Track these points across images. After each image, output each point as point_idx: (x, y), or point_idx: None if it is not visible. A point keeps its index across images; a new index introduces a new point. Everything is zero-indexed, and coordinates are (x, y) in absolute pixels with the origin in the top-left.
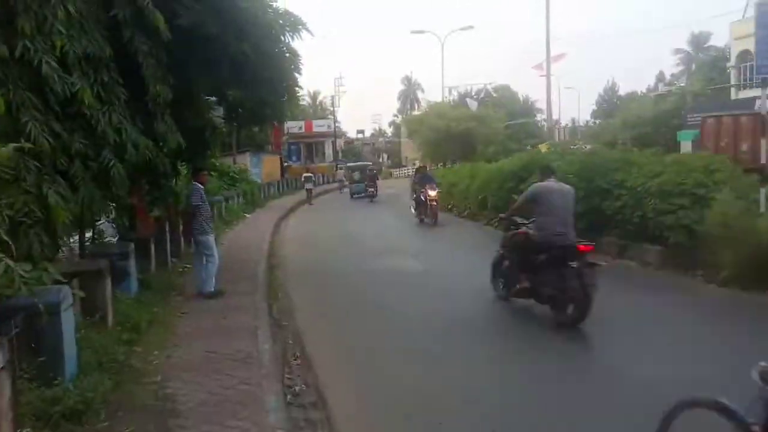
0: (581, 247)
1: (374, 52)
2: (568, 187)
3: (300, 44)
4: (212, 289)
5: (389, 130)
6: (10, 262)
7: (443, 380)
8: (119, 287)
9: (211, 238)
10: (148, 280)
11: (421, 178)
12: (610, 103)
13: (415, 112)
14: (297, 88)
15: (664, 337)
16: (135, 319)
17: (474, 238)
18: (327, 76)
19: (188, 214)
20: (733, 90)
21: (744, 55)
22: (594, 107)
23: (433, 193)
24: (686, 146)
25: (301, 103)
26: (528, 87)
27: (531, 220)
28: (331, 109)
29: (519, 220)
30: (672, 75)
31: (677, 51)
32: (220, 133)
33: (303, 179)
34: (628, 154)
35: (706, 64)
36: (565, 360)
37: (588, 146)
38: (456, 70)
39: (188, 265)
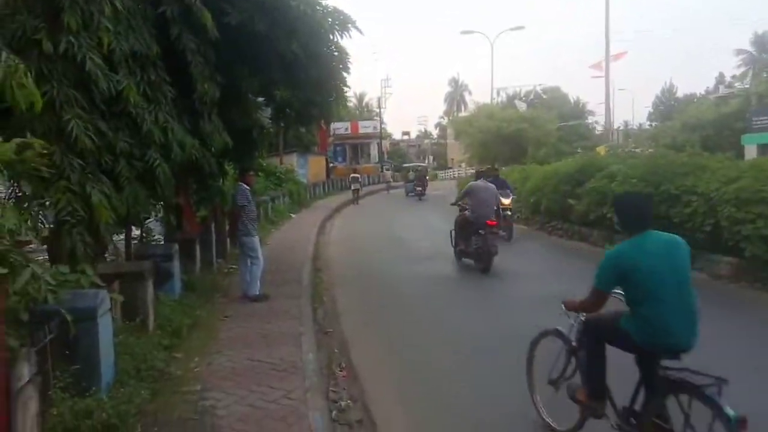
0: (489, 222)
1: (421, 53)
2: (491, 185)
3: (348, 43)
4: (257, 292)
5: (435, 132)
6: (37, 268)
7: (500, 407)
8: (162, 289)
9: (255, 239)
10: (193, 282)
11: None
12: (667, 106)
13: (462, 114)
14: (345, 88)
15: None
16: (176, 323)
17: (523, 244)
18: (374, 77)
19: (234, 215)
20: None
21: None
22: (650, 109)
23: (507, 201)
24: (751, 151)
25: (347, 104)
26: (579, 88)
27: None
28: (377, 110)
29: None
30: (733, 77)
31: (739, 52)
32: (267, 133)
33: (350, 180)
34: (698, 158)
35: None
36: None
37: (649, 150)
38: (505, 71)
39: (234, 266)
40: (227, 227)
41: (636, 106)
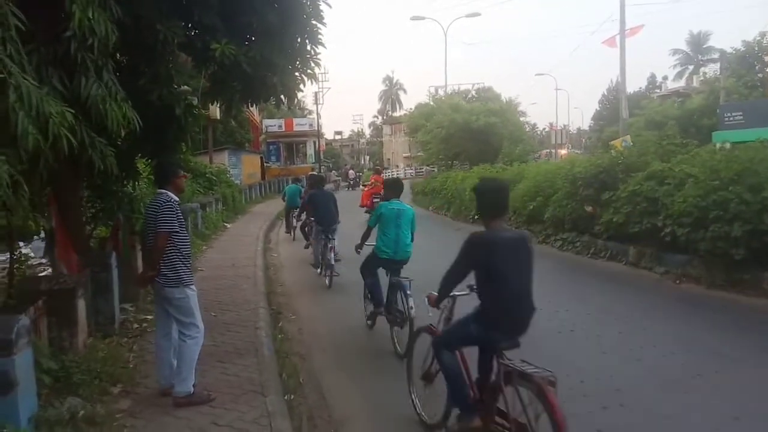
0: None
1: (354, 49)
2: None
3: None
4: (191, 389)
5: (368, 132)
6: None
7: None
8: None
9: (192, 294)
10: (67, 370)
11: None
12: (615, 104)
13: (396, 114)
14: (317, 48)
15: None
16: None
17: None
18: None
19: (149, 247)
20: None
21: None
22: (597, 107)
23: None
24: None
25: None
26: (515, 89)
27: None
28: (309, 109)
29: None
30: (664, 78)
31: (675, 51)
32: (199, 116)
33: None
34: None
35: (735, 60)
36: None
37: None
38: (439, 71)
39: (150, 316)
40: (140, 257)
41: (570, 105)
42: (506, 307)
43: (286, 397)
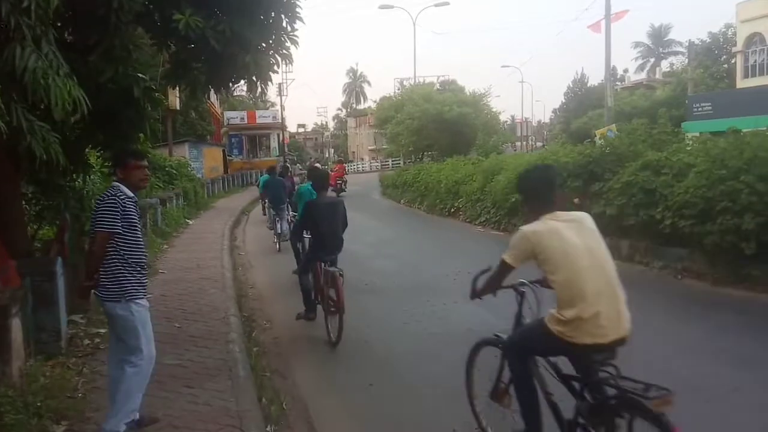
0: None
1: (316, 43)
2: None
3: None
4: (120, 431)
5: (332, 124)
6: None
7: None
8: None
9: (140, 310)
10: None
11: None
12: (579, 96)
13: (360, 106)
14: (295, 23)
15: None
16: None
17: None
18: None
19: (92, 250)
20: (738, 78)
21: (752, 38)
22: (562, 99)
23: None
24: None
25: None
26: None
27: None
28: (272, 101)
29: None
30: (625, 70)
31: (637, 44)
32: (158, 100)
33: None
34: None
35: (702, 51)
36: None
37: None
38: (406, 62)
39: (104, 330)
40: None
41: (533, 101)
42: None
43: (268, 430)
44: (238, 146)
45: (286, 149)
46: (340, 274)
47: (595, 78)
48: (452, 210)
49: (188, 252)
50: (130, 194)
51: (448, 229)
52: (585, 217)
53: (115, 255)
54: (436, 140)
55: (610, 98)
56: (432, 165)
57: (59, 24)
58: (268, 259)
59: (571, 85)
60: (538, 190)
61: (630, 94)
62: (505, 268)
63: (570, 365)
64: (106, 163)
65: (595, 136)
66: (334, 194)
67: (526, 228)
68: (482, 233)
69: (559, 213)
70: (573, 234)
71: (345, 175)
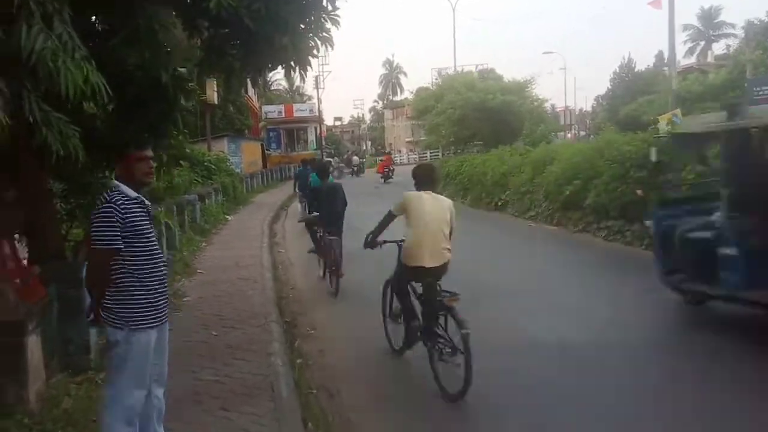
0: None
1: (350, 34)
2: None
3: None
4: None
5: (368, 117)
6: None
7: None
8: None
9: (141, 342)
10: None
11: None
12: (627, 82)
13: (397, 98)
14: (335, 2)
15: None
16: None
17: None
18: None
19: (92, 264)
20: None
21: None
22: (608, 86)
23: None
24: None
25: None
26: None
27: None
28: (309, 96)
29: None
30: (656, 54)
31: (686, 27)
32: (191, 90)
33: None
34: None
35: (761, 31)
36: None
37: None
38: (443, 50)
39: None
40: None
41: (575, 89)
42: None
43: None
44: (276, 140)
45: (323, 143)
46: (337, 244)
47: (642, 63)
48: (499, 203)
49: (227, 250)
50: (133, 194)
51: (496, 224)
52: (445, 200)
53: (122, 271)
54: (478, 130)
55: (675, 80)
56: (475, 156)
57: (78, 3)
58: (309, 256)
59: (618, 71)
60: (423, 177)
61: (682, 79)
62: (390, 217)
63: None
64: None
65: (658, 123)
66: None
67: (408, 192)
68: (534, 228)
69: (431, 192)
70: (429, 204)
71: (392, 165)
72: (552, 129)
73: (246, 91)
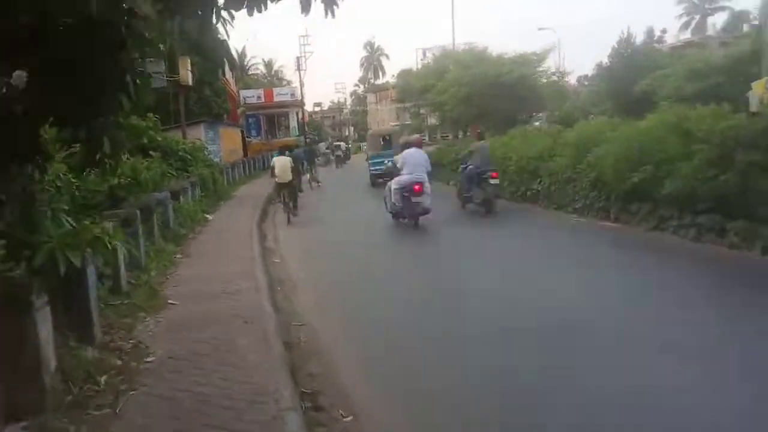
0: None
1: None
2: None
3: None
4: None
5: (349, 101)
6: None
7: None
8: None
9: None
10: None
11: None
12: (627, 58)
13: (379, 81)
14: None
15: None
16: None
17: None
18: (286, 39)
19: None
20: None
21: None
22: (607, 60)
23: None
24: None
25: (253, 72)
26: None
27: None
28: (288, 80)
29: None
30: (662, 30)
31: (680, 0)
32: (146, 40)
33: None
34: None
35: None
36: None
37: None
38: (423, 34)
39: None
40: None
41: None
42: None
43: None
44: (256, 127)
45: (306, 128)
46: None
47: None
48: (528, 194)
49: (208, 264)
50: None
51: (535, 221)
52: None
53: None
54: (485, 109)
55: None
56: (491, 139)
57: None
58: (316, 267)
59: (616, 46)
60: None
61: (697, 52)
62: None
63: None
64: (69, 147)
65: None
66: None
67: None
68: (585, 225)
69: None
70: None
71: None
72: (579, 105)
73: (223, 74)
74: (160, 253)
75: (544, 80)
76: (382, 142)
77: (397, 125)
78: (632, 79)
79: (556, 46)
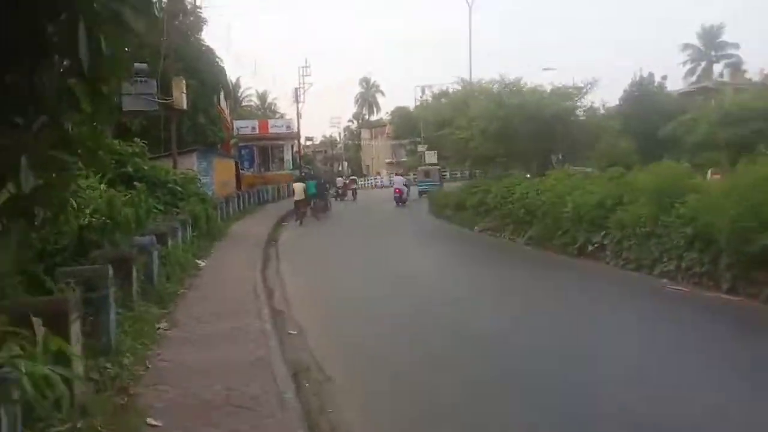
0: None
1: (327, 50)
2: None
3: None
4: None
5: (341, 137)
6: None
7: None
8: None
9: None
10: None
11: None
12: (641, 99)
13: (373, 117)
14: None
15: None
16: None
17: None
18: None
19: None
20: None
21: None
22: (618, 103)
23: None
24: None
25: (246, 104)
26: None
27: None
28: (282, 113)
29: None
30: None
31: (686, 47)
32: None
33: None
34: None
35: None
36: None
37: None
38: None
39: None
40: None
41: None
42: None
43: None
44: (249, 158)
45: (302, 162)
46: None
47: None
48: (589, 248)
49: (202, 342)
50: None
51: (609, 287)
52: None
53: None
54: (518, 147)
55: None
56: (522, 181)
57: None
58: (347, 340)
59: (629, 89)
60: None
61: (703, 99)
62: None
63: None
64: None
65: None
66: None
67: None
68: (684, 295)
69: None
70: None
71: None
72: (628, 147)
73: (218, 102)
74: (138, 323)
75: (583, 117)
76: (424, 176)
77: (391, 161)
78: (652, 122)
79: (597, 80)
